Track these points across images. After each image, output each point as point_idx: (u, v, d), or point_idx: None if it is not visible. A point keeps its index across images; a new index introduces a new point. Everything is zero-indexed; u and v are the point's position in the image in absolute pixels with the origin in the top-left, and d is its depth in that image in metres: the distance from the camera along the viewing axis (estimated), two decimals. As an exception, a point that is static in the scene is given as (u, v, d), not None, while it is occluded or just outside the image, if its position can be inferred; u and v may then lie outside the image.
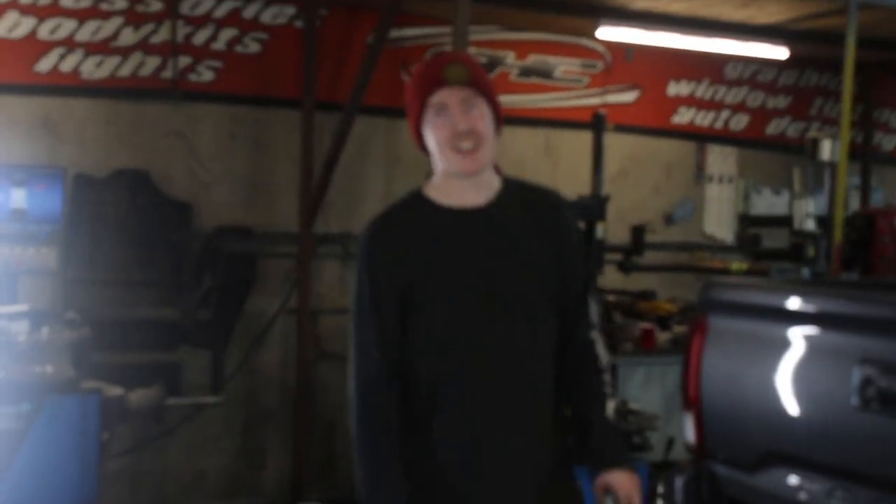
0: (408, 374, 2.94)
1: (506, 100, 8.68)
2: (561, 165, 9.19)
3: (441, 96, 2.90)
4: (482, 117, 2.92)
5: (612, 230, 7.76)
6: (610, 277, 8.01)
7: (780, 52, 9.31)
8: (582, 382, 3.03)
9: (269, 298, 8.30)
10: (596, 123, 7.66)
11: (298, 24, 8.28)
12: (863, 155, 10.60)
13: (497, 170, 3.09)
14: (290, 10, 8.27)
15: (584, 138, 7.92)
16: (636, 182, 9.60)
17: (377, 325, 2.95)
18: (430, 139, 2.97)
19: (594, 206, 7.37)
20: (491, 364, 2.89)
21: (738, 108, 10.27)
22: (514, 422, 2.92)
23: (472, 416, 2.90)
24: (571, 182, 8.20)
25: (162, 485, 8.06)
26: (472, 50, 8.51)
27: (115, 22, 7.72)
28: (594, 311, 3.10)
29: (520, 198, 3.05)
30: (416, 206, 3.04)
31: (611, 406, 3.01)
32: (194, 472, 8.17)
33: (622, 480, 2.89)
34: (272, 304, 8.32)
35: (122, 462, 7.68)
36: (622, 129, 9.07)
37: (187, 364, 7.86)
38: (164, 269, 7.94)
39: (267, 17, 8.21)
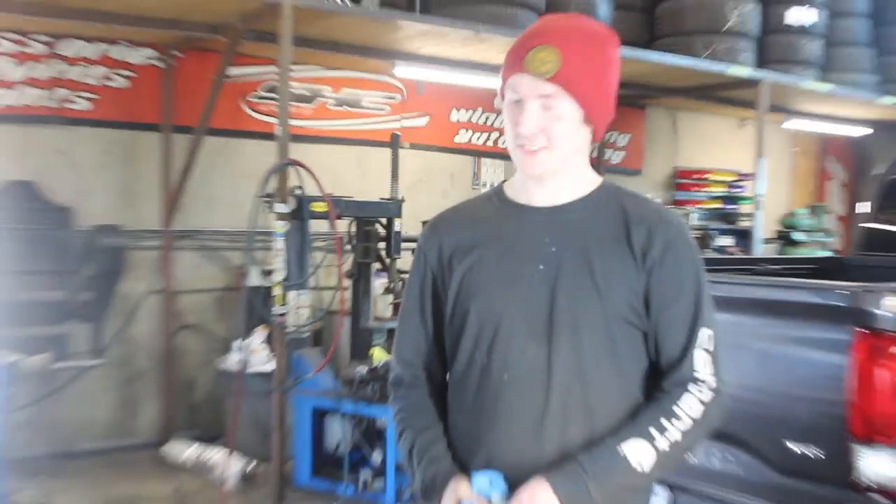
0: (449, 346, 2.46)
1: (323, 124, 9.24)
2: (368, 176, 9.40)
3: (519, 84, 2.29)
4: (559, 119, 2.26)
5: (409, 225, 8.01)
6: (406, 261, 8.16)
7: None
8: (639, 414, 2.26)
9: (139, 282, 8.49)
10: (394, 142, 8.10)
11: (159, 63, 8.56)
12: (597, 166, 10.81)
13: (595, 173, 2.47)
14: (152, 52, 8.52)
15: (386, 154, 8.17)
16: (428, 188, 9.91)
17: (418, 312, 2.51)
18: (505, 121, 2.37)
19: (393, 207, 7.80)
20: (518, 370, 2.29)
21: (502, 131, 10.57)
22: (529, 421, 2.28)
23: (489, 411, 2.33)
24: (377, 189, 8.45)
25: (59, 430, 8.09)
26: (295, 85, 8.88)
27: (5, 62, 7.90)
28: (705, 363, 2.27)
29: (612, 206, 2.35)
30: (492, 199, 2.48)
31: (644, 454, 2.18)
32: (85, 419, 8.30)
33: (530, 494, 2.16)
34: (141, 286, 8.50)
35: (24, 415, 7.63)
36: (416, 147, 9.49)
37: (74, 335, 8.03)
38: (50, 260, 7.96)
39: (132, 57, 8.48)
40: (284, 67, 7.09)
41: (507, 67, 2.32)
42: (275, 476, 7.09)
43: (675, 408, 2.25)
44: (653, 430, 2.22)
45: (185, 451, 8.01)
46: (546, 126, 2.28)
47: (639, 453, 2.19)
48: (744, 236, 11.56)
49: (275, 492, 7.06)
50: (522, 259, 2.34)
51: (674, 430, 2.22)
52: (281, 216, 7.02)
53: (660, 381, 2.33)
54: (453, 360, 2.44)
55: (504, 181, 2.52)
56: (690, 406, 2.25)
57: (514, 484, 2.22)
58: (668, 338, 2.31)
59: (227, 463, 7.16)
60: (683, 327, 2.29)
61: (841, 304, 3.36)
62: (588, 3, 9.38)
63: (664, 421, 2.23)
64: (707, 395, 2.26)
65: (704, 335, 2.29)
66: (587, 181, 2.43)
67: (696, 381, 2.28)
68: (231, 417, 7.22)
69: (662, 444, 2.20)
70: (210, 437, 8.23)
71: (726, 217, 12.23)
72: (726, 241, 12.05)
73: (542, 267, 2.31)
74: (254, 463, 7.51)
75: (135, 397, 8.75)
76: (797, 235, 12.18)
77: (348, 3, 7.94)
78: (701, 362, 2.28)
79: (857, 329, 3.29)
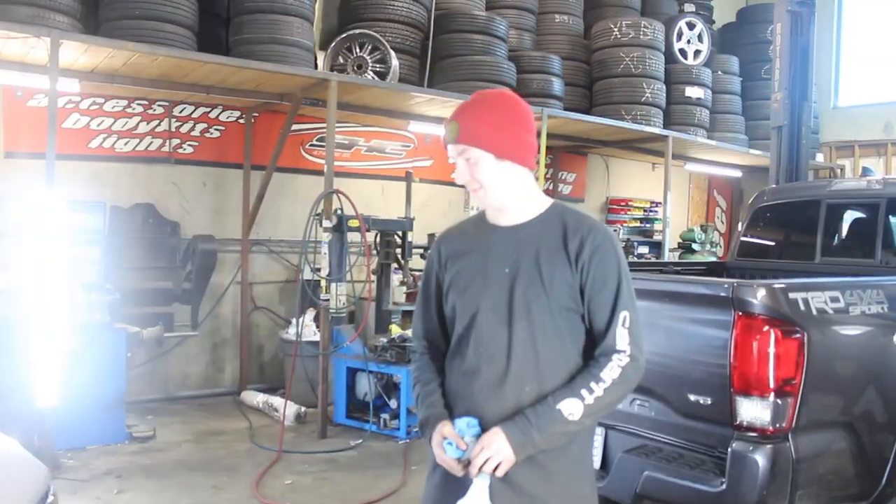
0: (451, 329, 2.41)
1: (358, 164, 9.31)
2: (389, 201, 9.18)
3: (449, 152, 2.32)
4: (476, 164, 2.26)
5: (418, 236, 8.05)
6: (416, 263, 7.93)
7: None
8: (575, 377, 2.22)
9: (225, 275, 8.46)
10: (407, 178, 8.11)
11: (242, 120, 8.55)
12: (552, 195, 11.14)
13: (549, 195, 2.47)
14: (237, 113, 8.51)
15: (402, 186, 8.16)
16: (431, 210, 9.58)
17: (425, 300, 2.48)
18: None
19: (407, 224, 7.73)
20: (489, 345, 2.27)
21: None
22: (495, 382, 2.26)
23: (470, 373, 2.28)
24: (395, 211, 8.24)
25: (164, 381, 8.15)
26: (338, 137, 9.06)
27: (136, 119, 7.98)
28: (623, 337, 2.22)
29: (557, 222, 2.30)
30: (477, 222, 2.45)
31: (575, 408, 2.16)
32: (183, 374, 8.33)
33: (490, 438, 2.16)
34: (227, 279, 8.49)
35: (140, 370, 7.79)
36: (423, 181, 9.33)
37: (178, 313, 8.00)
38: (163, 259, 8.00)
39: (224, 116, 8.47)
40: (331, 124, 7.14)
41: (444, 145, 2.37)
42: (320, 416, 7.07)
43: (600, 372, 2.22)
44: (582, 391, 2.20)
45: (256, 398, 7.96)
46: (471, 173, 2.30)
47: (571, 407, 2.19)
48: (656, 246, 11.63)
49: (320, 427, 7.04)
50: (493, 264, 2.34)
51: (598, 389, 2.20)
52: (326, 229, 7.04)
53: (592, 352, 2.30)
54: (451, 335, 2.43)
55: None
56: (612, 370, 2.22)
57: (484, 429, 2.22)
58: (596, 319, 2.28)
59: (285, 407, 7.12)
60: (607, 310, 2.26)
61: (725, 295, 3.33)
62: (545, 81, 9.42)
63: (592, 383, 2.21)
64: (625, 362, 2.24)
65: (623, 316, 2.25)
66: (539, 204, 2.39)
67: (617, 350, 2.24)
68: (289, 374, 7.21)
69: (589, 399, 2.19)
70: (274, 388, 8.26)
71: (644, 232, 12.21)
72: (644, 249, 12.06)
73: (507, 270, 2.31)
74: (304, 408, 7.46)
75: (220, 358, 8.70)
76: (694, 246, 12.15)
77: (377, 79, 7.96)
78: (620, 336, 2.25)
79: (737, 312, 3.27)
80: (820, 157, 12.75)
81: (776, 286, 3.33)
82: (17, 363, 5.69)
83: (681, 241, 12.13)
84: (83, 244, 7.41)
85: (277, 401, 7.49)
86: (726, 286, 3.31)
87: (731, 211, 14.04)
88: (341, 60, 8.11)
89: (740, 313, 3.25)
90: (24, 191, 6.34)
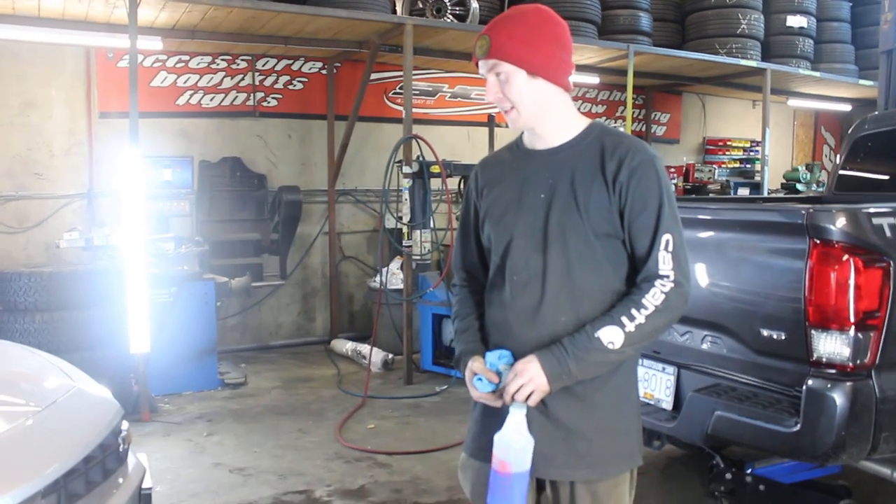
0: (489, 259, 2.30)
1: (443, 111, 9.20)
2: (475, 146, 9.11)
3: (480, 69, 2.20)
4: (507, 81, 2.13)
5: None
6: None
7: (594, 80, 9.38)
8: (615, 306, 2.09)
9: (313, 226, 8.52)
10: (490, 122, 8.17)
11: (324, 71, 8.54)
12: (645, 137, 10.77)
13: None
14: (319, 64, 8.51)
15: (486, 131, 8.25)
16: None
17: (464, 231, 2.39)
18: None
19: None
20: (523, 273, 2.16)
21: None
22: (530, 311, 2.14)
23: (505, 303, 2.19)
24: (479, 154, 7.99)
25: (257, 331, 8.33)
26: (421, 84, 9.14)
27: (220, 75, 8.08)
28: (666, 261, 2.07)
29: (595, 144, 2.16)
30: (514, 148, 2.34)
31: (615, 335, 2.04)
32: (275, 324, 8.48)
33: (523, 366, 2.07)
34: (315, 230, 8.54)
35: (234, 321, 8.04)
36: (503, 125, 9.59)
37: (266, 264, 8.17)
38: (251, 211, 8.17)
39: (306, 68, 8.49)
40: (408, 69, 7.05)
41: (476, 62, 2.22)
42: (406, 363, 7.10)
43: (642, 299, 2.08)
44: (622, 318, 2.07)
45: (346, 345, 8.03)
46: (502, 90, 2.17)
47: (610, 335, 2.05)
48: (758, 188, 11.04)
49: (406, 374, 7.07)
50: (528, 190, 2.21)
51: (640, 316, 2.06)
52: (406, 175, 6.99)
53: (635, 277, 2.15)
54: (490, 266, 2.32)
55: (522, 133, 2.33)
56: (654, 296, 2.08)
57: (518, 359, 2.12)
58: (636, 243, 2.12)
59: (370, 353, 7.18)
60: (648, 234, 2.10)
61: (800, 222, 3.05)
62: (632, 16, 9.04)
63: (633, 310, 2.07)
64: (668, 287, 2.08)
65: (665, 239, 2.09)
66: (574, 125, 2.23)
67: (660, 276, 2.09)
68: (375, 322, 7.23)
69: (630, 327, 2.06)
70: (364, 336, 8.25)
71: (744, 173, 11.65)
72: (745, 191, 11.49)
73: (542, 195, 2.18)
74: (392, 354, 7.51)
75: (310, 308, 8.79)
76: (799, 186, 11.52)
77: (455, 21, 7.81)
78: (663, 261, 2.09)
79: (813, 240, 2.99)
80: (939, 86, 11.81)
81: (857, 210, 3.04)
82: (115, 313, 5.92)
83: (784, 181, 11.53)
84: (173, 198, 7.70)
85: (365, 348, 7.55)
86: (801, 212, 3.04)
87: (840, 149, 13.21)
88: (420, 5, 7.96)
89: (817, 241, 2.96)
90: (117, 150, 6.55)
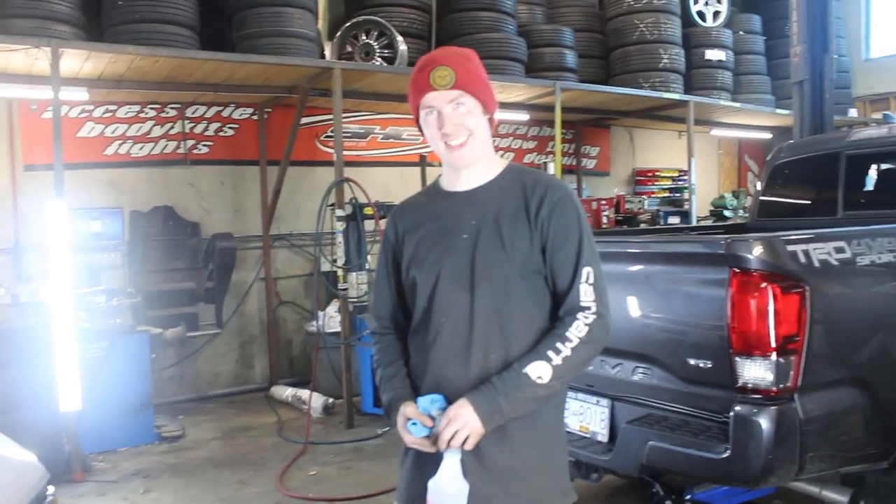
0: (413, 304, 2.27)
1: (375, 153, 9.29)
2: (409, 187, 8.17)
3: (432, 100, 2.15)
4: (469, 113, 2.15)
5: None
6: None
7: (524, 117, 9.48)
8: (541, 341, 2.10)
9: (248, 272, 8.48)
10: (422, 162, 8.17)
11: (255, 117, 8.51)
12: (577, 171, 11.08)
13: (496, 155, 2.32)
14: (250, 110, 8.48)
15: (417, 170, 8.26)
16: None
17: (383, 278, 2.36)
18: (426, 134, 2.22)
19: None
20: (451, 314, 2.14)
21: (505, 149, 10.33)
22: (460, 351, 2.12)
23: (433, 346, 2.17)
24: (411, 192, 8.55)
25: (195, 382, 8.17)
26: (353, 126, 9.21)
27: (149, 124, 7.98)
28: (587, 294, 2.11)
29: (515, 183, 2.20)
30: (430, 191, 2.35)
31: (543, 370, 2.04)
32: (213, 373, 8.34)
33: (455, 412, 2.04)
34: (250, 276, 8.49)
35: (170, 372, 7.85)
36: (436, 164, 9.56)
37: (202, 313, 8.07)
38: (184, 260, 8.04)
39: (237, 114, 8.45)
40: (337, 113, 7.07)
41: (417, 93, 2.19)
42: (347, 406, 7.03)
43: (566, 332, 2.10)
44: (549, 352, 2.08)
45: (286, 392, 7.95)
46: (462, 121, 2.16)
47: (538, 370, 2.06)
48: (686, 216, 11.25)
49: (347, 418, 7.00)
50: (452, 231, 2.21)
51: (565, 349, 2.08)
52: (339, 218, 6.97)
53: (557, 311, 2.17)
54: (412, 312, 2.30)
55: (439, 177, 2.35)
56: (578, 328, 2.10)
57: (451, 402, 2.09)
58: (558, 276, 2.15)
59: (310, 399, 7.11)
60: (570, 267, 2.13)
61: (720, 252, 3.15)
62: (558, 55, 9.24)
63: (559, 343, 2.09)
64: (591, 318, 2.11)
65: (586, 272, 2.13)
66: (496, 165, 2.28)
67: (582, 308, 2.12)
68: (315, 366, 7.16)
69: (557, 360, 2.07)
70: (304, 381, 8.15)
71: (673, 202, 11.92)
72: (675, 220, 11.70)
73: (465, 236, 2.18)
74: (332, 399, 7.44)
75: (249, 355, 8.71)
76: (726, 213, 11.82)
77: (385, 64, 7.88)
78: (585, 293, 2.12)
79: (732, 269, 3.08)
80: (854, 112, 12.30)
81: (773, 239, 3.14)
82: (45, 371, 5.74)
83: (712, 208, 11.82)
84: (104, 250, 7.63)
85: (305, 393, 7.46)
86: (720, 242, 3.13)
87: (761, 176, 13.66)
88: (349, 49, 8.04)
89: (736, 270, 3.04)
90: (43, 203, 6.38)
